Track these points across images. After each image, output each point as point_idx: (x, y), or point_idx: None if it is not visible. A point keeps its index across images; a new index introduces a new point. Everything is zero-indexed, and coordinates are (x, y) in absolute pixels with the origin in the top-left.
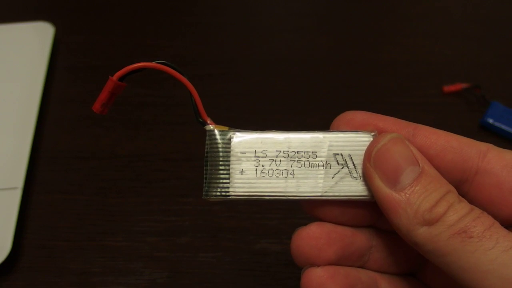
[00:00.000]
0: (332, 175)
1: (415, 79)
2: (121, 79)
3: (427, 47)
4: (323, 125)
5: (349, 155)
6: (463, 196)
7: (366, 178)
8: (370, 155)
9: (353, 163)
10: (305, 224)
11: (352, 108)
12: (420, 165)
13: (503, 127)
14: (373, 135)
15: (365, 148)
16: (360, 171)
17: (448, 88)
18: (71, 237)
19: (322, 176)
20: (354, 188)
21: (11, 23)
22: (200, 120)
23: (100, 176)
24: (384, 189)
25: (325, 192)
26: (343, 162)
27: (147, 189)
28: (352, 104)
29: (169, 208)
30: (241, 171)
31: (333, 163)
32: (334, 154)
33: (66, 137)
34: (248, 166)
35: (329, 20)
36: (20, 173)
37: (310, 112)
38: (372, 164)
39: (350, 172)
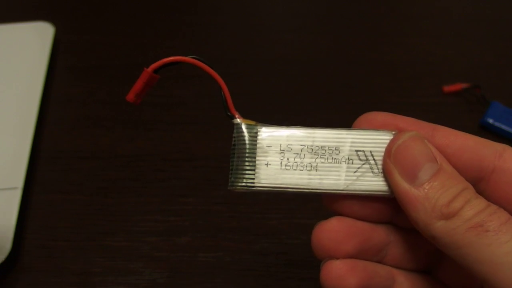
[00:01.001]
0: (354, 171)
1: (415, 79)
2: (156, 71)
3: (427, 47)
4: (323, 125)
5: (371, 152)
6: (480, 194)
7: (386, 174)
8: (390, 151)
9: (374, 159)
10: (306, 224)
11: (352, 108)
12: (438, 162)
13: (503, 127)
14: (393, 133)
15: (385, 145)
16: (380, 168)
17: (448, 88)
18: (71, 237)
19: (344, 171)
20: (374, 183)
21: (11, 23)
22: (229, 114)
23: (100, 176)
24: (403, 184)
25: (347, 187)
26: (365, 159)
27: (147, 189)
28: (352, 104)
29: (169, 208)
30: (267, 164)
31: (355, 159)
32: (356, 151)
33: (66, 137)
34: (273, 159)
35: (329, 20)
36: (20, 173)
37: (310, 112)
38: (392, 160)
39: (371, 168)
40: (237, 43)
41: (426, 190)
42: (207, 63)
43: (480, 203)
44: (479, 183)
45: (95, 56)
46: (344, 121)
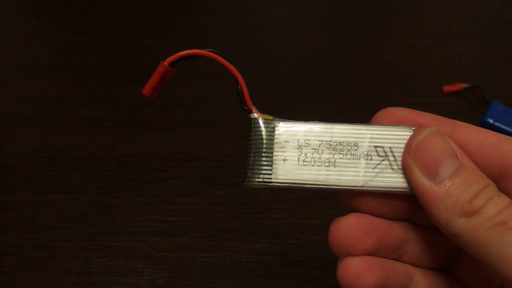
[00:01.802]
0: (373, 167)
1: (415, 79)
2: (172, 64)
3: (427, 47)
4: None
5: (390, 148)
6: (501, 191)
7: (406, 171)
8: (410, 147)
9: (393, 156)
10: (306, 224)
11: (352, 108)
12: (459, 158)
13: (503, 127)
14: (413, 129)
15: (405, 141)
16: (400, 164)
17: (448, 88)
18: (71, 237)
19: (363, 167)
20: (394, 180)
21: None
22: (246, 108)
23: (100, 176)
24: (423, 181)
25: (366, 183)
26: (384, 155)
27: (147, 189)
28: (352, 104)
29: (169, 208)
30: (284, 159)
31: (374, 155)
32: (375, 147)
33: (66, 137)
34: (290, 154)
35: (329, 20)
36: None
37: (310, 112)
38: (412, 156)
39: (391, 165)
40: (237, 43)
41: (447, 187)
42: (224, 57)
43: (503, 200)
44: (501, 180)
45: (95, 56)
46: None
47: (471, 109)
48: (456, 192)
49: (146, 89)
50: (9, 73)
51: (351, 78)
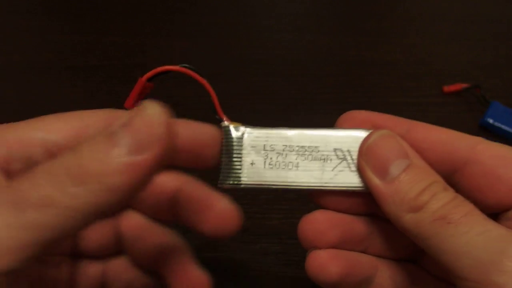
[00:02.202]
0: (332, 168)
1: (415, 79)
2: (149, 79)
3: (427, 47)
4: (323, 125)
5: (348, 150)
6: (454, 186)
7: (360, 171)
8: (362, 150)
9: (351, 157)
10: None
11: (352, 108)
12: (409, 157)
13: (503, 127)
14: (369, 132)
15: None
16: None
17: (448, 88)
18: None
19: (324, 168)
20: (351, 180)
21: None
22: (217, 117)
23: None
24: (374, 180)
25: (326, 183)
26: (342, 157)
27: None
28: (352, 104)
29: None
30: (252, 163)
31: (333, 157)
32: (335, 149)
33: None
34: (257, 158)
35: (329, 20)
36: None
37: (310, 112)
38: (364, 158)
39: (349, 166)
40: (237, 43)
41: (396, 185)
42: (196, 71)
43: (447, 195)
44: (454, 175)
45: (95, 56)
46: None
47: (471, 109)
48: (403, 189)
49: (128, 103)
50: (9, 73)
51: (351, 78)
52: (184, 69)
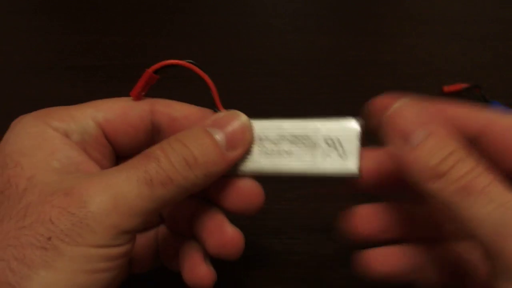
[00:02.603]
0: (323, 155)
1: (415, 79)
2: (155, 72)
3: (427, 47)
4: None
5: (338, 139)
6: (482, 148)
7: (384, 138)
8: (384, 118)
9: (341, 144)
10: (306, 224)
11: (352, 108)
12: (431, 125)
13: None
14: (359, 120)
15: (350, 132)
16: (346, 151)
17: (448, 88)
18: None
19: (316, 156)
20: (341, 165)
21: None
22: (217, 110)
23: None
24: (397, 148)
25: (317, 168)
26: (332, 144)
27: None
28: (352, 104)
29: None
30: (248, 151)
31: (324, 145)
32: (325, 137)
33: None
34: (253, 147)
35: (329, 20)
36: None
37: (310, 112)
38: (386, 126)
39: (338, 152)
40: (237, 43)
41: (417, 153)
42: (200, 67)
43: (468, 164)
44: (480, 138)
45: (95, 56)
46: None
47: None
48: (425, 157)
49: (134, 92)
50: (9, 73)
51: (351, 78)
52: (188, 64)
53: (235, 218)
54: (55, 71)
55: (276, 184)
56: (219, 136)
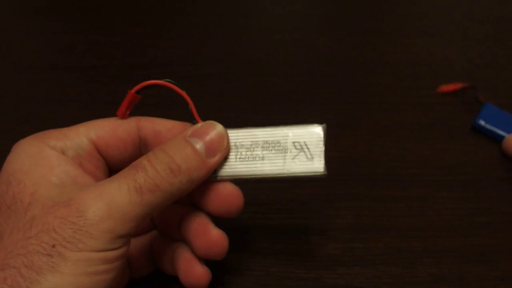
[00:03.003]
0: (292, 158)
1: (415, 79)
2: (137, 92)
3: (427, 47)
4: (327, 124)
5: (305, 142)
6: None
7: None
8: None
9: (307, 148)
10: (306, 224)
11: (352, 108)
12: None
13: (494, 129)
14: (322, 126)
15: (315, 137)
16: (313, 154)
17: (443, 88)
18: None
19: (285, 159)
20: (309, 166)
21: None
22: (195, 122)
23: None
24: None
25: (287, 170)
26: (300, 148)
27: None
28: (352, 104)
29: None
30: (225, 158)
31: (293, 149)
32: (293, 142)
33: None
34: (229, 153)
35: (329, 20)
36: None
37: (310, 112)
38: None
39: (306, 155)
40: (237, 43)
41: None
42: (177, 85)
43: None
44: (146, 148)
45: (95, 56)
46: (344, 121)
47: (469, 109)
48: None
49: (120, 112)
50: (9, 73)
51: (351, 78)
52: (167, 83)
53: (235, 217)
54: (55, 71)
55: (276, 184)
56: (198, 145)
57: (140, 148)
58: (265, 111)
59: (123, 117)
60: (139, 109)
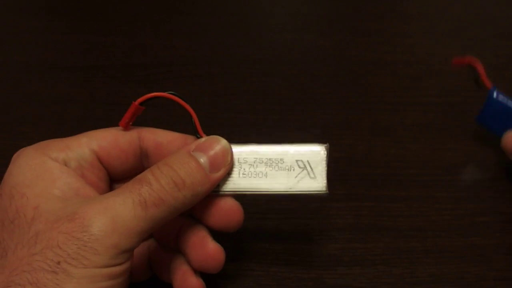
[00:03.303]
0: (295, 176)
1: (415, 79)
2: (141, 103)
3: (427, 47)
4: (323, 125)
5: (307, 161)
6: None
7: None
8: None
9: (310, 167)
10: (306, 224)
11: (352, 107)
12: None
13: (496, 125)
14: (324, 146)
15: (318, 156)
16: (315, 173)
17: (457, 60)
18: None
19: (288, 176)
20: (311, 185)
21: None
22: (198, 136)
23: None
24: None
25: (290, 188)
26: (303, 166)
27: None
28: (352, 104)
29: None
30: (228, 174)
31: (296, 167)
32: (297, 160)
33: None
34: (233, 169)
35: (329, 20)
36: None
37: (310, 112)
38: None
39: (308, 174)
40: (237, 43)
41: None
42: (180, 97)
43: None
44: (147, 159)
45: (95, 56)
46: (344, 121)
47: (469, 109)
48: None
49: (122, 123)
50: (9, 73)
51: (351, 78)
52: (170, 95)
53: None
54: (55, 71)
55: None
56: (203, 159)
57: (142, 159)
58: (265, 111)
59: (126, 128)
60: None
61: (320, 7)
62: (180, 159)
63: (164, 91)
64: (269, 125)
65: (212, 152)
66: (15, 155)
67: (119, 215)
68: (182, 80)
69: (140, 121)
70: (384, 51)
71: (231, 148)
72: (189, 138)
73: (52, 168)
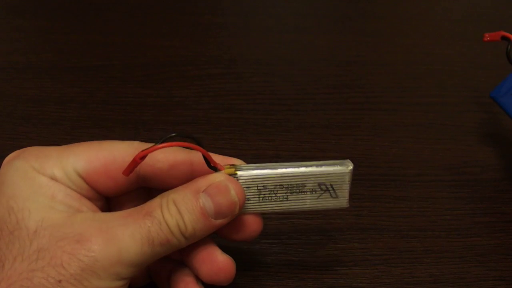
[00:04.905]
0: (317, 197)
1: (415, 79)
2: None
3: (427, 47)
4: (323, 125)
5: (331, 185)
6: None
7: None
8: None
9: (333, 188)
10: (306, 224)
11: (352, 108)
12: None
13: (508, 104)
14: (351, 169)
15: (342, 177)
16: (338, 194)
17: (490, 35)
18: None
19: (309, 198)
20: (333, 203)
21: None
22: (212, 167)
23: None
24: None
25: (310, 207)
26: (326, 189)
27: None
28: (352, 104)
29: None
30: (248, 199)
31: (318, 190)
32: (319, 184)
33: (66, 137)
34: (252, 196)
35: (329, 20)
36: None
37: (310, 112)
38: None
39: (331, 195)
40: (237, 43)
41: None
42: (187, 138)
43: None
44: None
45: (95, 56)
46: (344, 121)
47: (469, 109)
48: None
49: (126, 172)
50: (9, 73)
51: (351, 78)
52: (177, 143)
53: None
54: (55, 71)
55: None
56: (208, 204)
57: (138, 181)
58: (265, 111)
59: (128, 175)
60: (139, 109)
61: (320, 7)
62: (187, 201)
63: (164, 141)
64: (269, 125)
65: (220, 200)
66: (4, 162)
67: (126, 248)
68: (182, 80)
69: (140, 121)
70: (384, 51)
71: (240, 200)
72: (194, 156)
73: (49, 185)
